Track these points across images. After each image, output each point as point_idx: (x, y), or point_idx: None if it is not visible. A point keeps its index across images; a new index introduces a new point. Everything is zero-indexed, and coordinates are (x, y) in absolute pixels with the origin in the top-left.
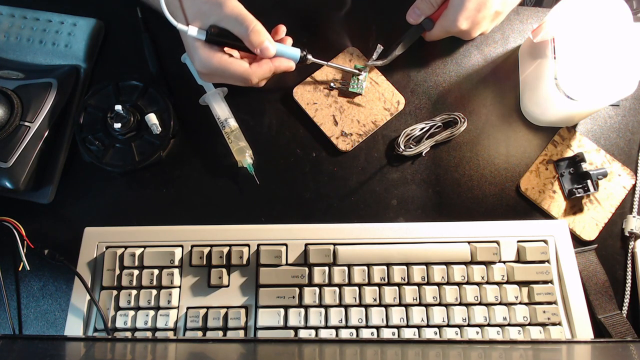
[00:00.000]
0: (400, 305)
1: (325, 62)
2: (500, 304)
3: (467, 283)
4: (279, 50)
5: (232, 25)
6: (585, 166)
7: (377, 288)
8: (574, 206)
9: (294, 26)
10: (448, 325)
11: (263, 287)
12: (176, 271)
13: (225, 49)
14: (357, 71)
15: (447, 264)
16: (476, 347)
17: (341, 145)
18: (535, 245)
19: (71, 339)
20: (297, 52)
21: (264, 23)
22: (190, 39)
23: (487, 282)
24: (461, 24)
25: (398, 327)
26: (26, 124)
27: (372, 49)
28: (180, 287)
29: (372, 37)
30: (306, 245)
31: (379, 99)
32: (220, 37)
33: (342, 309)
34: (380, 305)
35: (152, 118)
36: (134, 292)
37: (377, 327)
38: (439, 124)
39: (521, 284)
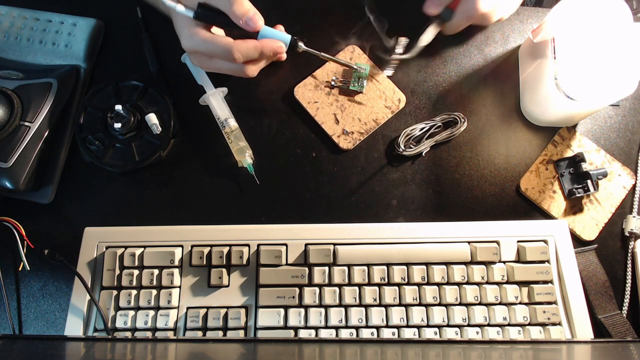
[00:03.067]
0: (400, 305)
1: (319, 53)
2: (500, 304)
3: (467, 283)
4: (268, 33)
5: (217, 1)
6: (585, 166)
7: (377, 288)
8: (574, 206)
9: (294, 27)
10: (448, 325)
11: (263, 287)
12: (176, 271)
13: (213, 29)
14: (354, 66)
15: (447, 264)
16: (476, 347)
17: (342, 143)
18: (535, 245)
19: (71, 339)
20: (287, 36)
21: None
22: (180, 16)
23: (487, 282)
24: (482, 6)
25: (398, 327)
26: (26, 124)
27: (373, 48)
28: (180, 287)
29: (371, 37)
30: (306, 245)
31: (380, 97)
32: (208, 15)
33: (342, 309)
34: (380, 305)
35: (152, 118)
36: (134, 292)
37: (377, 327)
38: (439, 124)
39: (521, 284)
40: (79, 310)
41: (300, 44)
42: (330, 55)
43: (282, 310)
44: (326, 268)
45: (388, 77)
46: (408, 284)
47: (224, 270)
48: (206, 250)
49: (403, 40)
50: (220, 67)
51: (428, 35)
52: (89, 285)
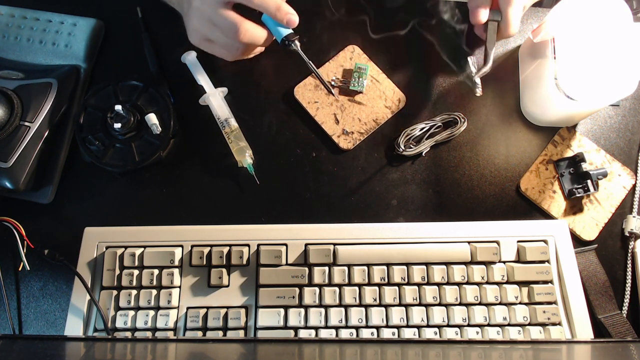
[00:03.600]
0: (400, 305)
1: (308, 60)
2: (500, 304)
3: (467, 283)
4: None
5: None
6: (585, 166)
7: (377, 288)
8: (574, 206)
9: (294, 27)
10: (448, 325)
11: (263, 287)
12: (176, 271)
13: None
14: (332, 92)
15: (447, 264)
16: (476, 347)
17: (343, 143)
18: (535, 245)
19: (71, 339)
20: (287, 30)
21: None
22: None
23: (487, 282)
24: None
25: (398, 327)
26: (26, 124)
27: (378, 51)
28: (180, 287)
29: (371, 35)
30: (306, 245)
31: (380, 96)
32: None
33: (342, 309)
34: (380, 305)
35: (152, 118)
36: (134, 292)
37: (377, 327)
38: (439, 124)
39: (521, 284)
40: (79, 310)
41: (297, 42)
42: (316, 68)
43: (282, 310)
44: (326, 268)
45: (479, 96)
46: (408, 284)
47: (224, 270)
48: (206, 250)
49: (472, 59)
50: (216, 35)
51: (492, 37)
52: (89, 285)
